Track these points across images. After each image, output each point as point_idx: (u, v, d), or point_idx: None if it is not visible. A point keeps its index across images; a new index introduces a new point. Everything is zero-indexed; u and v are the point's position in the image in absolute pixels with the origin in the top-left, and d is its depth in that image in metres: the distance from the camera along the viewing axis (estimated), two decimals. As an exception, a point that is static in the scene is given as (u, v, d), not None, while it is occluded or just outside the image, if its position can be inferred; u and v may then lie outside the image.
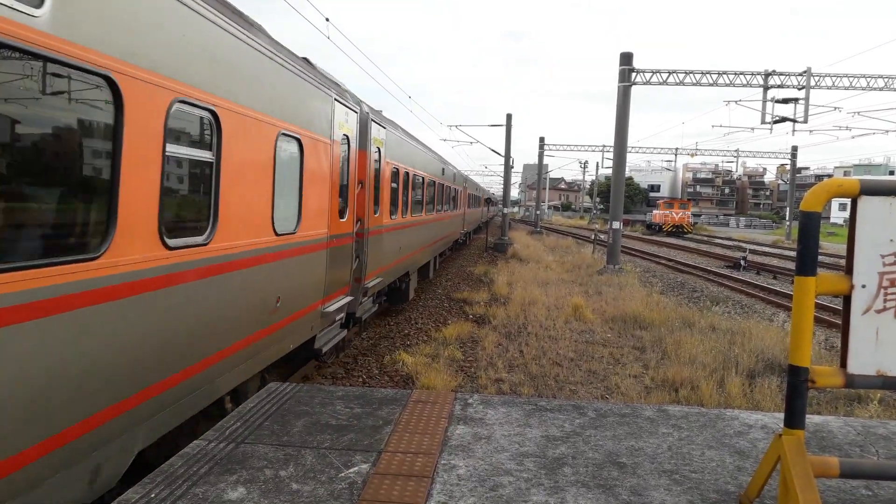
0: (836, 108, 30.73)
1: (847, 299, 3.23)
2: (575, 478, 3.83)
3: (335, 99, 8.13)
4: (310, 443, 4.23)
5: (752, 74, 24.71)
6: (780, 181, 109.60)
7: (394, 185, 12.31)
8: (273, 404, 4.98)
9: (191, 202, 4.74)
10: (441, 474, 3.83)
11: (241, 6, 7.89)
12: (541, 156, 58.11)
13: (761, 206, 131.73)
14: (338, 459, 3.97)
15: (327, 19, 14.81)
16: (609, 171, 34.21)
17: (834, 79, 24.88)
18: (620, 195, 24.16)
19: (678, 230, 60.43)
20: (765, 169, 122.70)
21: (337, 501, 3.43)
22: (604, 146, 60.44)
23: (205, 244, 4.64)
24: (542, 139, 56.57)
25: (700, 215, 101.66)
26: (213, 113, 4.81)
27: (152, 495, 3.42)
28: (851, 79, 24.95)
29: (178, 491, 3.48)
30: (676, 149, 61.73)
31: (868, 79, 25.04)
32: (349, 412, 4.86)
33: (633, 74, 23.79)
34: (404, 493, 3.55)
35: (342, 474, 3.77)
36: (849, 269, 3.24)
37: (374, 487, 3.62)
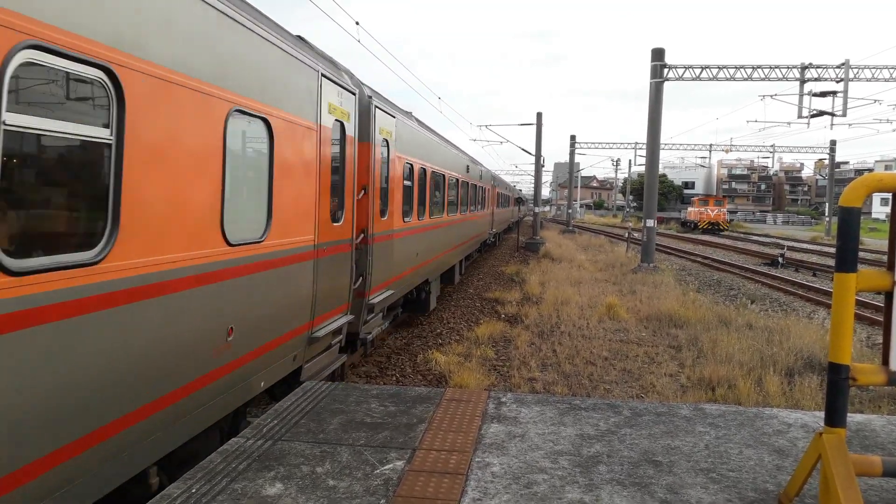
0: (876, 101, 30.00)
1: (889, 296, 3.17)
2: (610, 476, 3.81)
3: (323, 75, 6.48)
4: (345, 440, 4.28)
5: (788, 68, 24.23)
6: (818, 176, 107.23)
7: (409, 182, 10.80)
8: (309, 402, 5.05)
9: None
10: (475, 472, 3.84)
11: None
12: (572, 154, 57.80)
13: (799, 202, 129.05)
14: (373, 456, 4.02)
15: (357, 23, 14.93)
16: (642, 169, 33.41)
17: (873, 70, 24.28)
18: (654, 192, 23.90)
19: (714, 227, 59.50)
20: (802, 164, 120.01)
21: (373, 497, 3.47)
22: (636, 143, 59.89)
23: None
24: (573, 137, 56.26)
25: (736, 212, 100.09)
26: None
27: (193, 490, 3.50)
28: (892, 70, 24.31)
29: (218, 486, 3.56)
30: (711, 145, 60.92)
31: (910, 70, 24.38)
32: (383, 410, 4.91)
33: (665, 70, 23.52)
34: (439, 490, 3.58)
35: (377, 471, 3.81)
36: (891, 266, 3.17)
37: (409, 484, 3.65)
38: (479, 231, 24.16)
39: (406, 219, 10.54)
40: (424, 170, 12.20)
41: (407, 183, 10.64)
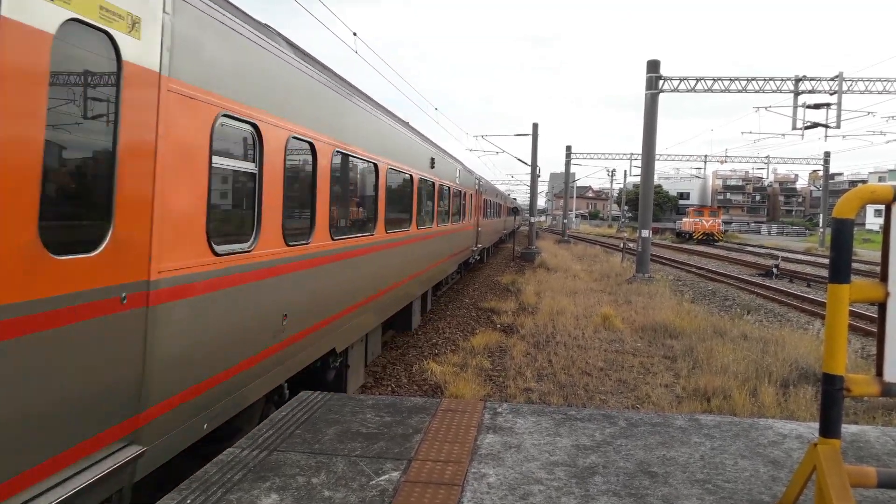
0: (869, 113, 30.29)
1: (882, 307, 3.19)
2: (606, 487, 3.81)
3: None
4: (341, 451, 4.27)
5: (783, 80, 24.40)
6: (812, 188, 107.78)
7: (245, 165, 5.19)
8: (304, 413, 5.04)
9: None
10: (471, 482, 3.84)
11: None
12: (567, 164, 57.98)
13: (793, 213, 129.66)
14: (369, 467, 4.01)
15: (355, 34, 14.98)
16: (637, 180, 33.41)
17: (867, 83, 24.47)
18: (649, 203, 23.99)
19: (708, 238, 59.70)
20: (796, 175, 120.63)
21: (368, 509, 3.46)
22: (632, 154, 60.19)
23: None
24: (568, 148, 56.47)
25: (731, 223, 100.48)
26: None
27: (188, 501, 3.49)
28: (885, 83, 24.51)
29: (213, 497, 3.54)
30: (706, 156, 61.30)
31: (902, 82, 24.57)
32: (379, 420, 4.90)
33: (661, 82, 23.66)
34: (435, 501, 3.57)
35: (373, 482, 3.80)
36: (883, 277, 3.19)
37: (405, 495, 3.64)
38: (458, 249, 18.48)
39: (226, 247, 4.79)
40: (313, 147, 6.50)
41: (236, 165, 5.03)
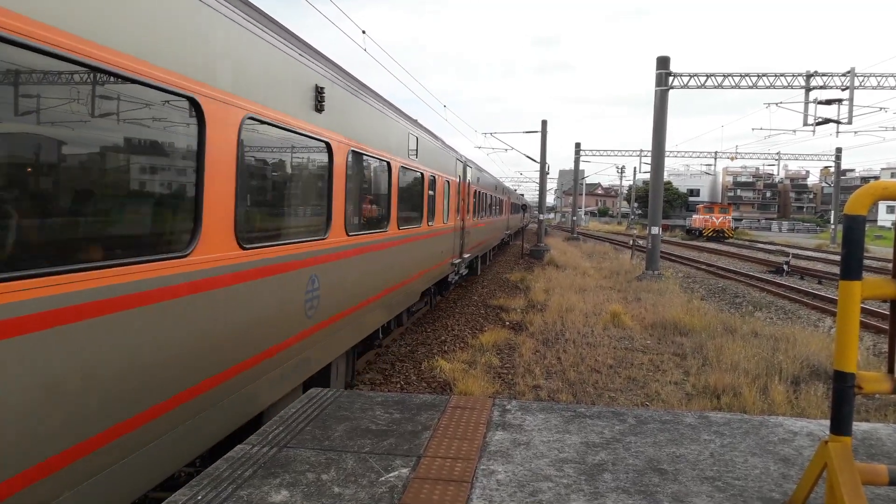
0: (881, 109, 29.95)
1: (894, 304, 3.17)
2: (615, 484, 3.81)
3: None
4: (350, 447, 4.28)
5: (794, 76, 24.24)
6: (823, 184, 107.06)
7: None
8: (314, 409, 5.06)
9: None
10: (481, 479, 3.84)
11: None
12: (577, 161, 57.85)
13: (804, 209, 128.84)
14: (378, 464, 4.02)
15: (364, 31, 14.99)
16: (647, 176, 33.22)
17: (879, 79, 24.25)
18: (659, 200, 23.90)
19: (719, 235, 59.42)
20: (808, 172, 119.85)
21: (378, 505, 3.47)
22: (641, 151, 59.99)
23: None
24: (577, 145, 56.35)
25: (741, 220, 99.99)
26: None
27: (199, 497, 3.51)
28: (898, 78, 24.29)
29: (224, 493, 3.56)
30: (716, 152, 61.00)
31: (915, 78, 24.34)
32: (388, 417, 4.91)
33: (670, 78, 23.54)
34: (444, 498, 3.58)
35: (383, 478, 3.81)
36: (895, 274, 3.17)
37: (414, 491, 3.65)
38: (419, 268, 11.93)
39: None
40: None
41: None
